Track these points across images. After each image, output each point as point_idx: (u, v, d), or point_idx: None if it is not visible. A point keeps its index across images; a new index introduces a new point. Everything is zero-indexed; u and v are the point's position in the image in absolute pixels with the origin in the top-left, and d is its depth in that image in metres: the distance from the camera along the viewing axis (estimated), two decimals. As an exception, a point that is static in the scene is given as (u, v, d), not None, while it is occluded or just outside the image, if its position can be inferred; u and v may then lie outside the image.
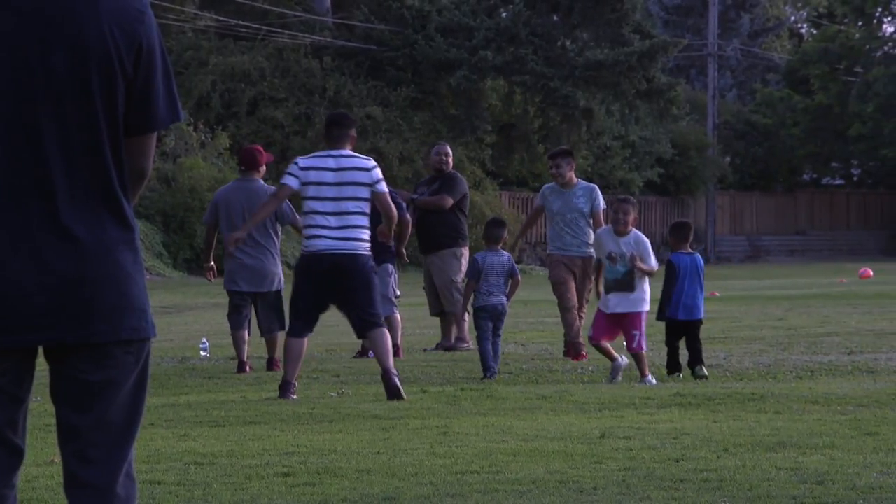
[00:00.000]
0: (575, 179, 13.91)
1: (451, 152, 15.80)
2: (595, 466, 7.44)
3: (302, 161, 10.74)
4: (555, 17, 45.25)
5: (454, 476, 7.19)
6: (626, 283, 11.87)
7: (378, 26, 44.03)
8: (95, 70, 3.61)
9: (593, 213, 13.79)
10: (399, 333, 14.11)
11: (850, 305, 22.76)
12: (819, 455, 7.75)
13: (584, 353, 13.52)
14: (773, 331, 17.42)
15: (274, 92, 41.88)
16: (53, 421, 3.78)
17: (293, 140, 40.99)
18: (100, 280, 3.62)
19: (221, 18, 43.32)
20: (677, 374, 12.31)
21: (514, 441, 8.37)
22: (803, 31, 72.10)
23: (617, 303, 11.88)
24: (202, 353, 14.57)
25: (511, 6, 45.05)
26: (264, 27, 43.23)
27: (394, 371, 10.59)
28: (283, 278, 13.00)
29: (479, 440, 8.43)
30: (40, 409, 8.57)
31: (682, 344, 12.45)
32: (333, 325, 19.17)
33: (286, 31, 43.55)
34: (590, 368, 12.94)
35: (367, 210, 10.66)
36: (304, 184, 10.56)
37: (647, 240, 12.16)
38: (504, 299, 12.39)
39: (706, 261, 13.88)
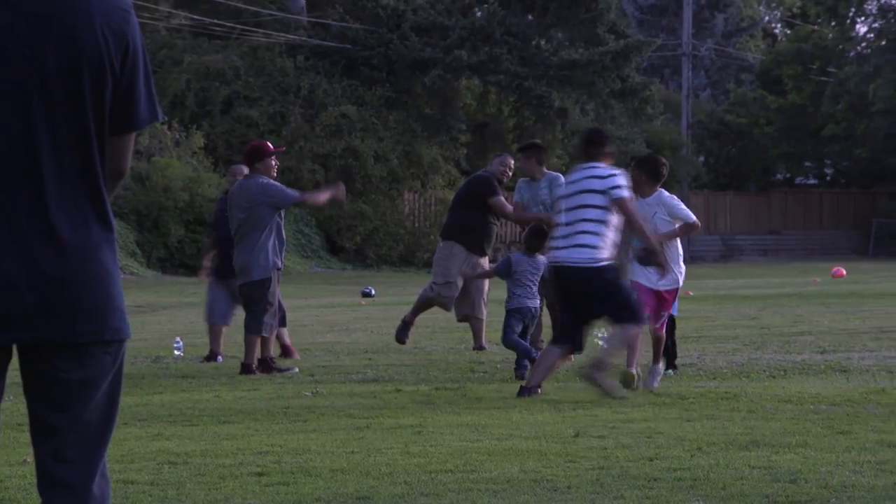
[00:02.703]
0: (544, 171, 13.81)
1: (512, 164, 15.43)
2: (569, 465, 7.46)
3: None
4: (529, 17, 45.29)
5: (428, 475, 7.20)
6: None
7: (353, 25, 44.00)
8: (87, 69, 3.63)
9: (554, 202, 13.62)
10: (285, 336, 14.10)
11: (824, 305, 22.83)
12: (792, 454, 7.78)
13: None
14: (747, 330, 17.47)
15: (248, 91, 41.82)
16: (25, 420, 3.78)
17: (268, 139, 40.93)
18: (86, 280, 3.63)
19: (196, 17, 43.24)
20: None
21: (489, 440, 8.38)
22: (777, 31, 72.31)
23: (659, 278, 11.26)
24: (176, 352, 14.55)
25: (486, 6, 45.08)
26: (239, 26, 43.18)
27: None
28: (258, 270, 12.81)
29: (453, 439, 8.43)
30: (12, 408, 8.54)
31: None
32: (308, 324, 19.18)
33: (261, 30, 43.49)
34: (563, 368, 12.95)
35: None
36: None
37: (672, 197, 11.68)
38: (537, 302, 12.37)
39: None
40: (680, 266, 11.55)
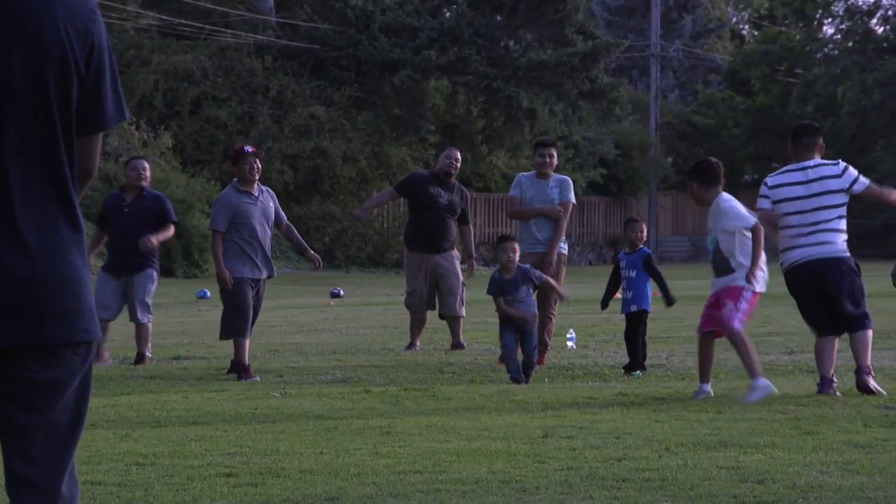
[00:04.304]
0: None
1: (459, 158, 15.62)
2: (538, 466, 7.46)
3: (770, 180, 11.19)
4: (498, 18, 45.31)
5: (397, 476, 7.20)
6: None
7: (321, 26, 43.94)
8: (52, 70, 3.61)
9: (562, 204, 13.63)
10: (148, 340, 13.99)
11: (791, 305, 22.85)
12: (760, 454, 7.80)
13: (541, 359, 13.26)
14: (715, 330, 17.49)
15: (217, 91, 41.72)
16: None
17: (236, 139, 40.84)
18: (54, 282, 3.62)
19: (164, 17, 43.11)
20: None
21: (457, 441, 8.38)
22: (745, 32, 72.54)
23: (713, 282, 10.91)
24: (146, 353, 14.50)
25: (454, 6, 45.09)
26: (207, 26, 43.07)
27: (867, 369, 10.71)
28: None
29: (422, 440, 8.43)
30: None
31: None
32: (277, 325, 19.14)
33: (229, 31, 43.40)
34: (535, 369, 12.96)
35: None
36: (774, 202, 11.09)
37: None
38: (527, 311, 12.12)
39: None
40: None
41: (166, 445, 8.28)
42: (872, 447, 8.04)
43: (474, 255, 15.69)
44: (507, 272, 12.05)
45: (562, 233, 13.61)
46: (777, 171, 11.32)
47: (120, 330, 14.59)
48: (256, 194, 12.78)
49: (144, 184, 13.99)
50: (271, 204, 12.91)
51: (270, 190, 13.25)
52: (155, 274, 13.97)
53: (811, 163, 11.04)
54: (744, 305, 10.51)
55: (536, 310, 12.15)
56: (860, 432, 8.63)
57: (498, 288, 12.05)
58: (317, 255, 13.20)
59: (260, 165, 12.78)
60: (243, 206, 12.66)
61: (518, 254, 12.23)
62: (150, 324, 13.97)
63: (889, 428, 8.82)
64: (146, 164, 14.24)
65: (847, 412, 9.67)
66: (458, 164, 15.40)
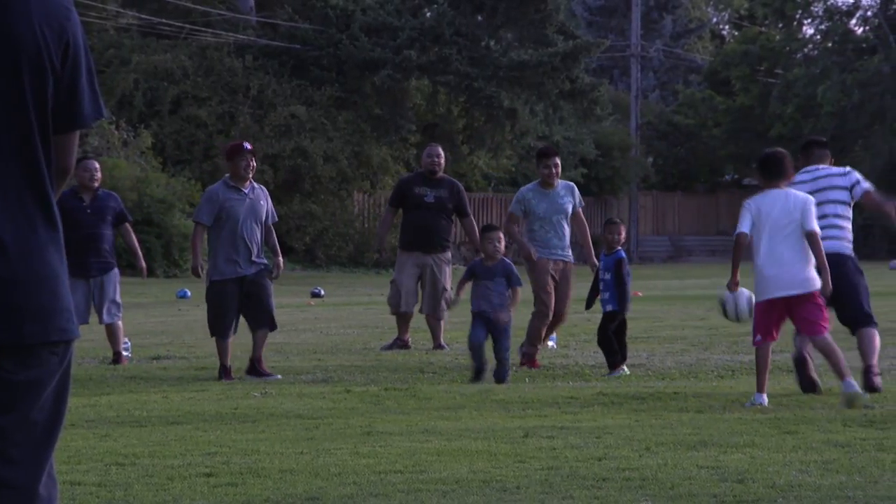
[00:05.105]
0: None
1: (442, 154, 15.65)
2: (518, 466, 7.47)
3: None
4: (479, 18, 45.33)
5: (378, 476, 7.19)
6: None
7: (302, 25, 43.90)
8: (27, 68, 3.59)
9: (575, 211, 13.62)
10: (121, 339, 13.99)
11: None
12: (739, 453, 7.82)
13: (537, 362, 13.30)
14: (695, 330, 17.55)
15: (197, 91, 41.66)
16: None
17: (217, 139, 40.79)
18: (31, 281, 3.60)
19: (144, 17, 43.03)
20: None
21: (438, 441, 8.38)
22: (725, 32, 72.68)
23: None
24: (124, 353, 14.46)
25: (435, 6, 45.09)
26: (187, 26, 42.99)
27: (875, 370, 10.59)
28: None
29: (402, 440, 8.43)
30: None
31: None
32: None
33: (209, 30, 43.33)
34: (512, 368, 12.97)
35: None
36: None
37: None
38: (499, 310, 12.05)
39: (630, 261, 13.94)
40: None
41: (146, 445, 8.27)
42: (852, 446, 8.06)
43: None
44: (490, 260, 12.08)
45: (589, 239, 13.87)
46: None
47: (100, 329, 14.55)
48: (246, 191, 12.70)
49: (97, 184, 13.94)
50: (263, 202, 12.82)
51: (264, 189, 13.15)
52: (118, 272, 14.04)
53: (819, 167, 11.16)
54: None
55: (509, 313, 12.10)
56: (840, 432, 8.65)
57: (471, 273, 12.08)
58: (280, 267, 13.08)
59: (255, 164, 12.75)
60: (230, 202, 12.59)
61: (503, 243, 12.24)
62: (120, 321, 14.00)
63: (868, 427, 8.85)
64: (98, 165, 14.20)
65: (827, 412, 9.69)
66: (441, 160, 15.43)
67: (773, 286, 10.06)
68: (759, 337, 10.20)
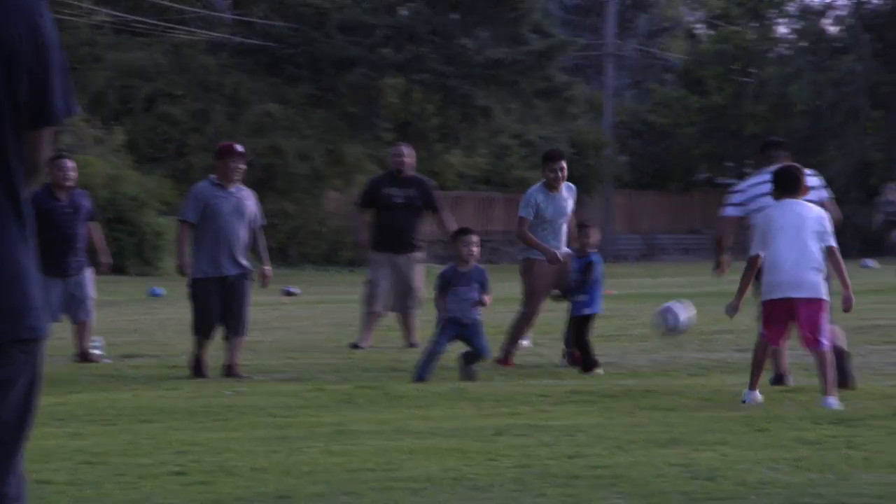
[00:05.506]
0: None
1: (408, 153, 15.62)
2: (490, 464, 7.46)
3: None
4: (454, 16, 45.33)
5: (349, 474, 7.18)
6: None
7: (277, 23, 43.83)
8: (1, 63, 3.58)
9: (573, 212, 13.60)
10: (88, 338, 13.99)
11: (743, 303, 22.98)
12: (711, 451, 7.83)
13: (512, 362, 13.29)
14: (668, 328, 17.56)
15: (171, 88, 41.56)
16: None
17: (190, 137, 40.70)
18: (2, 279, 3.58)
19: (118, 14, 42.89)
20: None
21: (410, 439, 8.38)
22: (699, 31, 72.85)
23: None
24: (96, 351, 14.42)
25: (410, 4, 45.09)
26: (162, 23, 42.88)
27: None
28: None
29: (374, 438, 8.42)
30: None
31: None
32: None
33: (184, 28, 43.23)
34: (485, 366, 12.97)
35: None
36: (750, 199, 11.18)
37: None
38: (470, 313, 12.00)
39: (604, 259, 13.95)
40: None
41: (117, 444, 8.24)
42: (821, 444, 8.09)
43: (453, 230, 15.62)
44: (464, 265, 12.02)
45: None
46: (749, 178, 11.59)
47: (69, 328, 14.50)
48: (233, 191, 12.67)
49: (71, 183, 13.88)
50: (248, 203, 12.77)
51: (252, 192, 13.05)
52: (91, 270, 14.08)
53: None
54: None
55: (478, 315, 12.06)
56: (810, 429, 8.68)
57: (445, 281, 11.99)
58: (269, 273, 13.06)
59: (244, 169, 12.72)
60: (215, 201, 12.55)
61: (478, 249, 12.19)
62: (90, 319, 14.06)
63: (838, 425, 8.88)
64: (72, 164, 14.12)
65: (797, 410, 9.72)
66: (408, 159, 15.45)
67: (780, 288, 10.03)
68: (764, 334, 10.22)
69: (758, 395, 10.16)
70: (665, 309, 12.08)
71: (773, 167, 11.26)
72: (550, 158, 13.51)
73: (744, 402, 10.10)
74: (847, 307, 10.10)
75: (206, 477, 7.12)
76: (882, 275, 32.44)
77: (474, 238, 12.15)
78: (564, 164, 13.44)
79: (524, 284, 13.47)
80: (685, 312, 12.00)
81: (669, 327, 11.90)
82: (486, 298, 11.99)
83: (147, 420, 9.36)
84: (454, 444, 8.15)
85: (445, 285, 11.97)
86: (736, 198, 11.52)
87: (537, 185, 13.55)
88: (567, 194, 13.53)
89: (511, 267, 22.95)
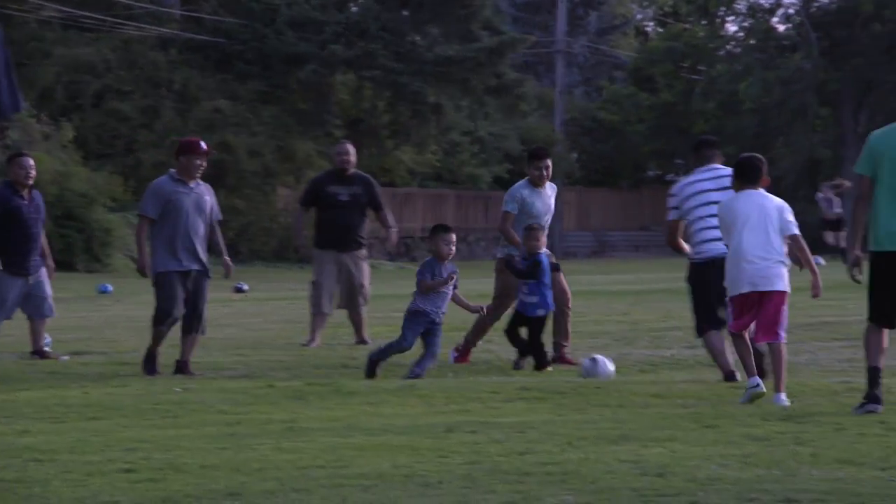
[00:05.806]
0: None
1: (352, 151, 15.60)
2: (441, 460, 7.47)
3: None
4: (404, 13, 45.29)
5: (299, 471, 7.17)
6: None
7: (226, 19, 43.66)
8: None
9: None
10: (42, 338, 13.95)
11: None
12: (660, 448, 7.86)
13: (469, 358, 13.30)
14: (618, 325, 17.64)
15: (120, 84, 41.33)
16: None
17: (140, 133, 40.48)
18: None
19: (66, 9, 42.58)
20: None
21: (360, 436, 8.37)
22: (649, 29, 73.09)
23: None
24: (46, 348, 14.33)
25: (361, 0, 45.01)
26: (110, 18, 42.63)
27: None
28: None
29: (325, 435, 8.41)
30: None
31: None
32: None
33: (133, 23, 42.98)
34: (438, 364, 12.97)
35: None
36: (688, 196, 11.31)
37: None
38: (436, 309, 12.07)
39: (554, 255, 13.96)
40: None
41: (65, 441, 8.19)
42: (770, 440, 8.14)
43: (394, 227, 15.62)
44: (442, 261, 12.09)
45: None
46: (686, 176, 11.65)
47: (21, 325, 14.41)
48: (192, 186, 12.61)
49: (32, 182, 13.79)
50: (207, 198, 12.69)
51: (209, 186, 12.98)
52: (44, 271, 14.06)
53: (718, 167, 11.46)
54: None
55: (444, 310, 12.12)
56: (758, 426, 8.73)
57: (430, 269, 12.06)
58: (231, 264, 13.02)
59: (205, 165, 12.65)
60: (175, 196, 12.48)
61: (454, 246, 12.23)
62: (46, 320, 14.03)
63: (786, 421, 8.93)
64: (33, 162, 13.98)
65: (746, 406, 9.77)
66: (351, 157, 15.46)
67: (747, 282, 9.98)
68: (731, 324, 10.21)
69: (784, 398, 9.90)
70: (597, 358, 12.22)
71: (706, 167, 11.39)
72: (536, 156, 13.39)
73: (785, 406, 9.77)
74: (816, 293, 10.08)
75: (155, 474, 7.09)
76: (830, 272, 32.64)
77: (453, 236, 12.22)
78: (550, 163, 13.38)
79: (497, 283, 13.42)
80: (610, 366, 12.14)
81: (590, 370, 12.03)
82: (457, 298, 12.12)
83: (96, 417, 9.31)
84: (405, 440, 8.15)
85: (431, 273, 12.03)
86: (672, 201, 11.55)
87: (522, 182, 13.48)
88: (551, 192, 13.53)
89: (466, 263, 22.91)
